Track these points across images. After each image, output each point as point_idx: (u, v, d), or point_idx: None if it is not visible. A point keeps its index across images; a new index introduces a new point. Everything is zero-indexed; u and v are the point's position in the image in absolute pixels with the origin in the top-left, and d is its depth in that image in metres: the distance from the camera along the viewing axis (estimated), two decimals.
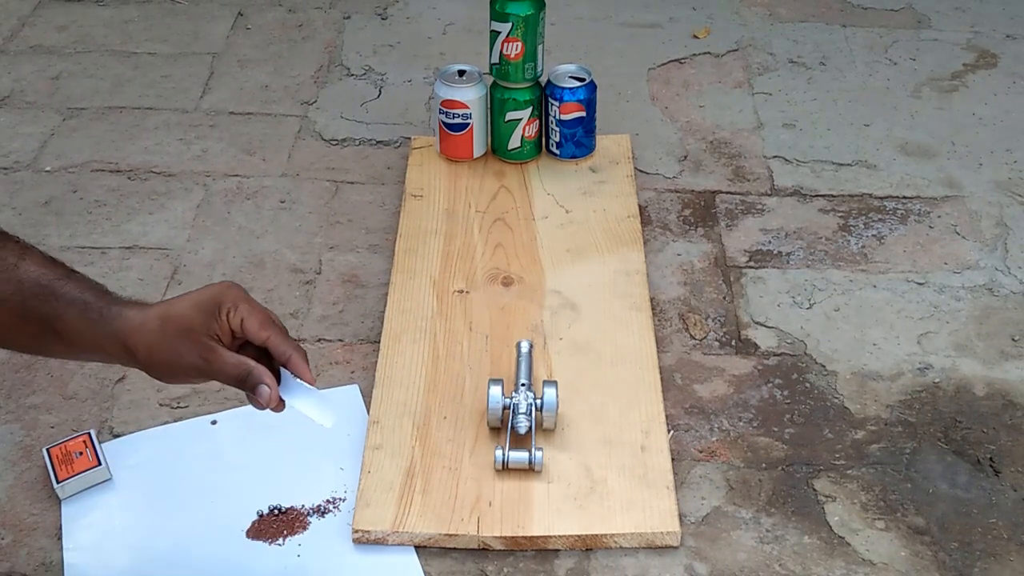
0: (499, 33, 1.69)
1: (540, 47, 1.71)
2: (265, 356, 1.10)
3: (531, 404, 1.33)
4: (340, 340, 1.52)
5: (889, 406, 1.43)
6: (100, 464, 1.32)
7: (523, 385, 1.35)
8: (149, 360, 1.07)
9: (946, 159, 1.84)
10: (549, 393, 1.33)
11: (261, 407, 1.09)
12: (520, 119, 1.74)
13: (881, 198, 1.76)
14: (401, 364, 1.45)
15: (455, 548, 1.26)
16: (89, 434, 1.35)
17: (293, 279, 1.62)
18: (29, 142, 1.88)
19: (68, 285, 1.07)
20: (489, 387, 1.34)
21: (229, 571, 1.25)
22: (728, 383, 1.46)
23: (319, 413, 1.11)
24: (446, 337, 1.49)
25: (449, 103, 1.73)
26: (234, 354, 1.07)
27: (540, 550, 1.27)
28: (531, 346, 1.41)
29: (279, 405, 1.09)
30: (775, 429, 1.41)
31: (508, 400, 1.34)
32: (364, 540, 1.27)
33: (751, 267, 1.64)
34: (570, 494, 1.30)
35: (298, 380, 1.11)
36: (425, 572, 1.24)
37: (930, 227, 1.70)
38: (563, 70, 1.75)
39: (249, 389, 1.08)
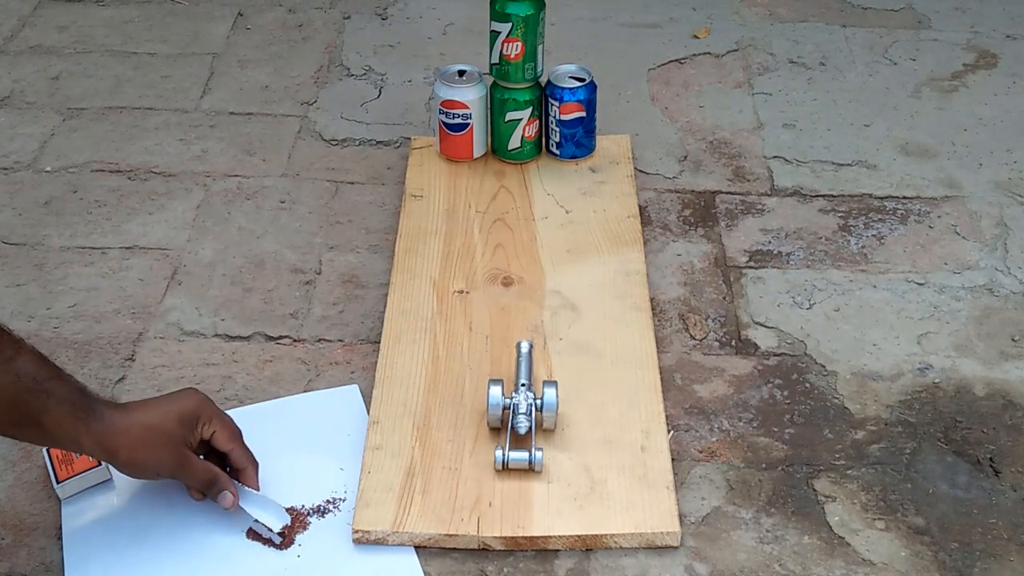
0: (499, 33, 1.69)
1: (540, 47, 1.71)
2: (217, 456, 1.30)
3: (531, 404, 1.33)
4: (340, 340, 1.52)
5: (889, 406, 1.43)
6: (100, 464, 1.32)
7: (523, 385, 1.35)
8: (129, 460, 1.22)
9: (946, 159, 1.84)
10: (549, 393, 1.33)
11: (217, 504, 1.28)
12: (520, 119, 1.73)
13: (881, 198, 1.76)
14: (401, 364, 1.45)
15: (455, 548, 1.26)
16: None
17: (293, 279, 1.62)
18: (29, 142, 1.88)
19: (58, 384, 1.17)
20: (489, 387, 1.34)
21: (229, 571, 1.25)
22: (728, 383, 1.46)
23: (270, 518, 1.28)
24: (446, 337, 1.49)
25: (449, 103, 1.73)
26: (204, 462, 1.27)
27: (540, 550, 1.27)
28: (531, 346, 1.41)
29: (233, 508, 1.28)
30: (775, 429, 1.41)
31: (508, 400, 1.34)
32: (364, 540, 1.27)
33: (751, 267, 1.64)
34: (570, 494, 1.30)
35: (248, 489, 1.30)
36: (425, 572, 1.24)
37: (930, 227, 1.70)
38: (563, 70, 1.75)
39: (213, 494, 1.27)
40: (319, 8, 2.22)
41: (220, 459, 1.29)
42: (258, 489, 1.30)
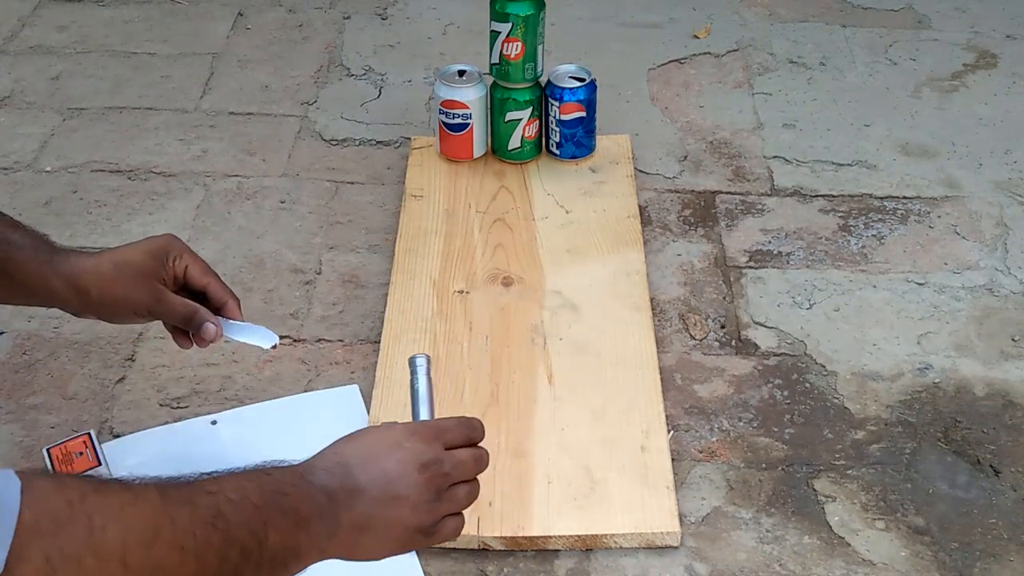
0: (499, 33, 1.69)
1: (540, 47, 1.71)
2: (201, 300, 1.22)
3: None
4: (340, 340, 1.52)
5: (889, 406, 1.43)
6: (100, 464, 1.32)
7: None
8: (101, 299, 1.16)
9: (946, 159, 1.84)
10: None
11: (204, 344, 1.22)
12: (520, 119, 1.74)
13: (881, 198, 1.76)
14: (401, 364, 1.44)
15: (455, 548, 1.26)
16: (89, 434, 1.35)
17: (293, 279, 1.62)
18: (29, 142, 1.88)
19: (17, 233, 1.16)
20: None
21: None
22: (728, 383, 1.46)
23: (258, 338, 1.23)
24: (446, 337, 1.49)
25: (449, 103, 1.73)
26: (181, 297, 1.20)
27: (540, 550, 1.27)
28: (428, 362, 1.16)
29: (218, 338, 1.21)
30: (775, 429, 1.41)
31: None
32: None
33: (751, 267, 1.64)
34: (570, 494, 1.30)
35: (231, 321, 1.23)
36: (425, 572, 1.24)
37: (930, 227, 1.70)
38: (563, 70, 1.75)
39: (195, 327, 1.20)
40: (319, 8, 2.22)
41: (199, 301, 1.23)
42: (241, 320, 1.24)
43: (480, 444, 1.08)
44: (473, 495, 1.05)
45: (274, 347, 1.24)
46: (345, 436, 1.03)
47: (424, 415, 1.12)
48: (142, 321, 1.22)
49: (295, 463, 0.99)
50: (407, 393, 1.40)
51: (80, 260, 1.17)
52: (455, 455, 1.04)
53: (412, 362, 1.15)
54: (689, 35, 2.13)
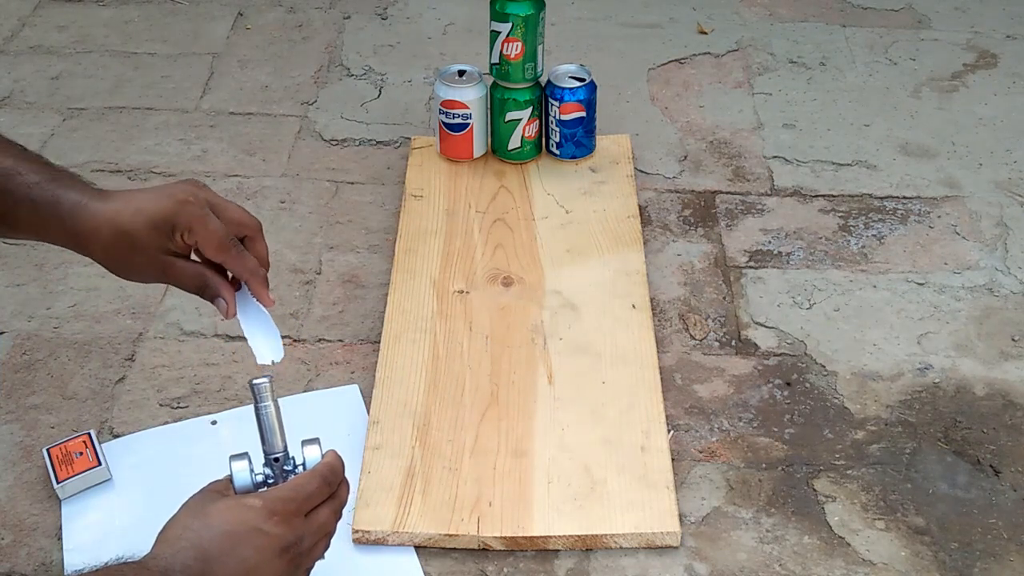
0: (499, 33, 1.69)
1: (540, 47, 1.71)
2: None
3: (292, 475, 1.07)
4: (340, 340, 1.52)
5: (889, 406, 1.43)
6: (100, 464, 1.32)
7: (275, 459, 1.06)
8: (106, 262, 1.08)
9: (946, 159, 1.84)
10: (311, 453, 1.06)
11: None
12: (520, 119, 1.74)
13: (881, 198, 1.76)
14: (401, 364, 1.45)
15: (455, 548, 1.26)
16: (89, 434, 1.35)
17: (293, 279, 1.62)
18: (29, 142, 1.85)
19: (15, 181, 1.05)
20: (231, 464, 1.05)
21: None
22: (728, 383, 1.46)
23: (260, 344, 1.11)
24: (446, 337, 1.49)
25: (449, 103, 1.73)
26: (192, 264, 1.08)
27: (540, 550, 1.27)
28: (270, 382, 1.07)
29: (229, 317, 1.10)
30: (775, 429, 1.41)
31: (261, 477, 1.06)
32: (364, 540, 1.27)
33: (751, 267, 1.64)
34: (570, 494, 1.30)
35: (257, 303, 1.11)
36: (425, 572, 1.24)
37: (930, 227, 1.70)
38: (563, 70, 1.75)
39: (207, 299, 1.09)
40: (319, 8, 2.22)
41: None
42: (269, 303, 1.11)
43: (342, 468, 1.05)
44: (328, 543, 1.05)
45: (273, 363, 1.11)
46: (199, 509, 0.99)
47: (278, 446, 1.07)
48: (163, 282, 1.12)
49: (151, 563, 0.95)
50: (405, 393, 1.41)
51: (82, 219, 1.05)
52: (315, 521, 1.01)
53: (255, 387, 1.06)
54: (689, 35, 2.13)
